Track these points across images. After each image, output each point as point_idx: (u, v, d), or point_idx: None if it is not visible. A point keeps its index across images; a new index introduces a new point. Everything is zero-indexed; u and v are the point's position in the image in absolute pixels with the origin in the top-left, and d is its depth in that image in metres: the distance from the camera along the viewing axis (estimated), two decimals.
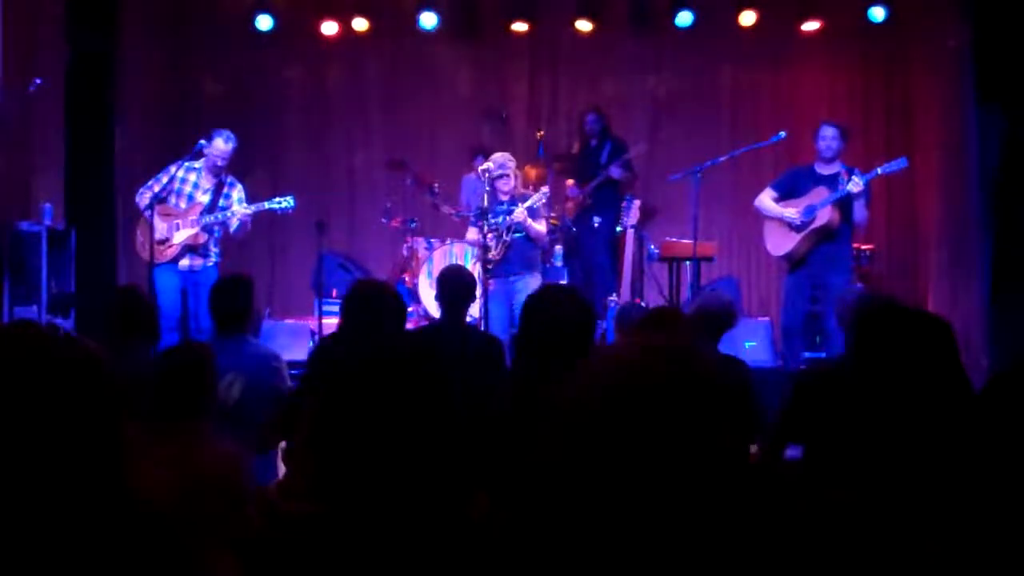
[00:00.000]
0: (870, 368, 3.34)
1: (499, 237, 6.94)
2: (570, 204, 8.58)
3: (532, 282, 6.90)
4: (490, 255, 6.95)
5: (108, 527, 1.58)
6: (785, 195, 6.90)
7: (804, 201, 6.79)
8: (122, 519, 1.60)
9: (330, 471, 1.74)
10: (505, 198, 7.05)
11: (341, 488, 1.72)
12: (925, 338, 3.44)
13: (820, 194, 6.74)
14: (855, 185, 6.57)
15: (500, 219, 6.98)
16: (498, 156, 7.17)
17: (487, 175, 7.60)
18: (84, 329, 7.50)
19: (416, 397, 1.76)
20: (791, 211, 6.78)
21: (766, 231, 6.97)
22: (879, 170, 6.73)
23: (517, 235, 6.93)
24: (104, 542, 1.57)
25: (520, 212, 6.86)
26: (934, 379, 2.74)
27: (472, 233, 7.34)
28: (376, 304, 3.79)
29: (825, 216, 6.67)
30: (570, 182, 8.74)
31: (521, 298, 6.72)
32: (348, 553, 1.68)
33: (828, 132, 6.84)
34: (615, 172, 8.39)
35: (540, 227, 7.00)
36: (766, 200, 6.95)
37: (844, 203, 6.66)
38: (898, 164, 6.78)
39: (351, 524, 1.69)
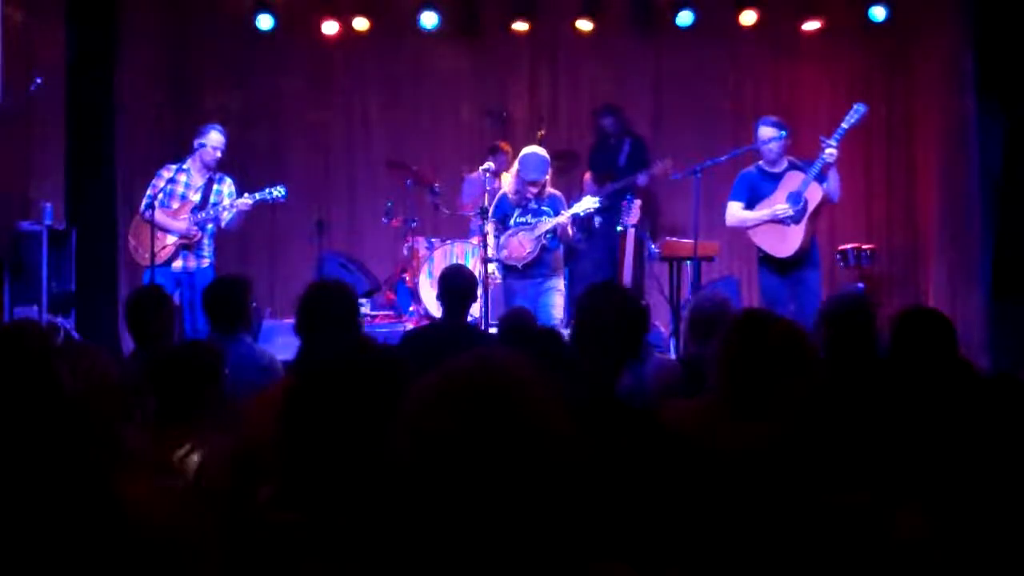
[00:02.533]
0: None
1: (538, 238, 6.75)
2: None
3: (559, 284, 6.82)
4: (525, 257, 6.77)
5: (99, 543, 1.57)
6: (748, 203, 6.64)
7: (780, 193, 6.52)
8: (113, 535, 1.59)
9: (300, 479, 1.73)
10: (531, 196, 6.85)
11: (315, 496, 1.70)
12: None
13: (796, 178, 6.48)
14: (831, 154, 6.33)
15: (528, 217, 6.81)
16: (530, 153, 6.93)
17: (488, 173, 7.61)
18: (84, 329, 7.51)
19: (375, 401, 1.74)
20: (780, 206, 6.49)
21: (759, 239, 6.65)
22: (844, 125, 6.45)
23: (551, 236, 6.76)
24: (94, 559, 1.56)
25: (566, 217, 6.69)
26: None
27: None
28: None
29: (816, 195, 6.41)
30: (588, 176, 8.75)
31: (550, 299, 6.71)
32: (331, 560, 1.67)
33: (770, 132, 6.56)
34: (642, 180, 8.41)
35: (571, 231, 6.87)
36: (740, 212, 6.65)
37: (820, 177, 6.43)
38: (857, 112, 6.47)
39: (332, 531, 1.68)
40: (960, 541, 1.81)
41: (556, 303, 6.77)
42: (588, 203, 6.81)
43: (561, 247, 6.91)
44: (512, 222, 6.85)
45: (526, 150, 6.99)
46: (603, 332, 2.82)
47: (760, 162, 6.70)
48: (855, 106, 6.53)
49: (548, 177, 6.89)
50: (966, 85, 8.05)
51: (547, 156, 6.92)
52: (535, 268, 6.80)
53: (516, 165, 6.92)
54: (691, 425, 2.39)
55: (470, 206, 8.38)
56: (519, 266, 6.80)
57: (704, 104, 9.36)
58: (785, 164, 6.62)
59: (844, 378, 3.34)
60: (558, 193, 7.06)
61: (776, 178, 6.60)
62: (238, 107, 9.10)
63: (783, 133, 6.59)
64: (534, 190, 6.81)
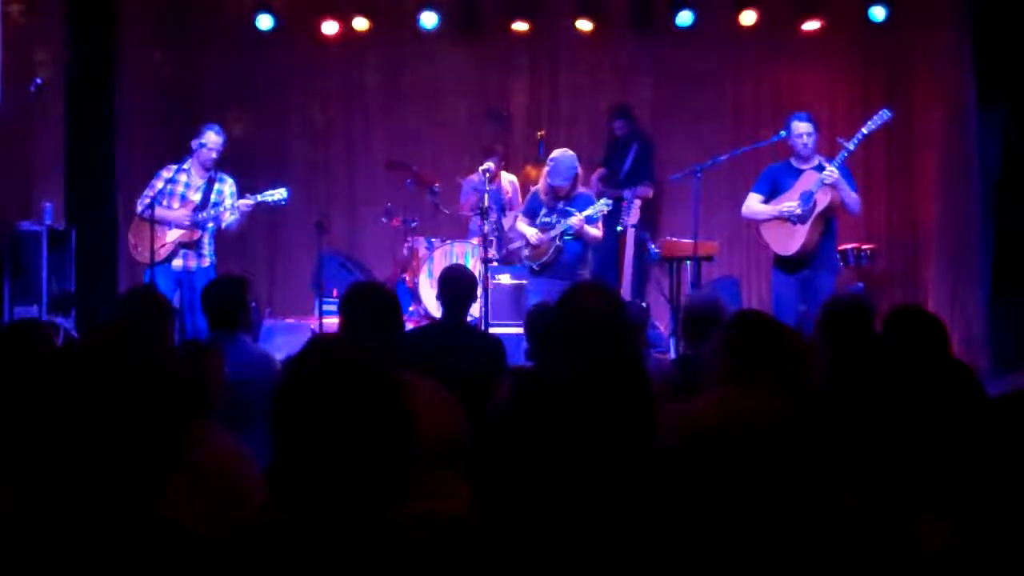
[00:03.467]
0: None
1: (552, 240, 6.72)
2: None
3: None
4: (541, 258, 6.77)
5: (140, 550, 1.58)
6: (770, 196, 6.62)
7: (795, 191, 6.49)
8: (153, 541, 1.60)
9: (289, 479, 1.74)
10: (561, 197, 6.82)
11: (304, 496, 1.71)
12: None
13: (811, 178, 6.44)
14: (829, 177, 6.30)
15: (552, 218, 6.77)
16: (560, 157, 6.86)
17: (487, 175, 7.61)
18: (84, 329, 7.51)
19: (363, 402, 1.75)
20: (789, 203, 6.46)
21: (766, 234, 6.67)
22: (864, 130, 6.42)
23: (568, 238, 6.72)
24: (135, 565, 1.57)
25: (578, 220, 6.64)
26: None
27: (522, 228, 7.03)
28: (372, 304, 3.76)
29: (825, 198, 6.37)
30: (597, 173, 8.77)
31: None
32: (321, 560, 1.68)
33: (804, 127, 6.52)
34: (627, 195, 8.43)
35: (596, 231, 6.76)
36: (755, 205, 6.64)
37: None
38: (881, 118, 6.45)
39: (319, 531, 1.68)
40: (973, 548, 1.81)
41: None
42: (600, 206, 6.73)
43: (584, 248, 6.83)
44: (538, 221, 6.85)
45: (556, 152, 6.91)
46: (560, 335, 2.82)
47: (792, 158, 6.65)
48: (881, 111, 6.51)
49: (576, 178, 6.81)
50: (966, 85, 8.06)
51: (575, 164, 6.82)
52: (551, 270, 6.77)
53: (548, 164, 6.86)
54: (687, 427, 2.39)
55: (467, 206, 8.40)
56: (535, 267, 6.81)
57: (704, 104, 9.35)
58: (816, 162, 6.55)
59: (845, 380, 3.33)
60: (588, 191, 7.03)
61: (800, 174, 6.56)
62: (238, 107, 9.09)
63: (812, 127, 6.54)
64: (561, 193, 6.77)
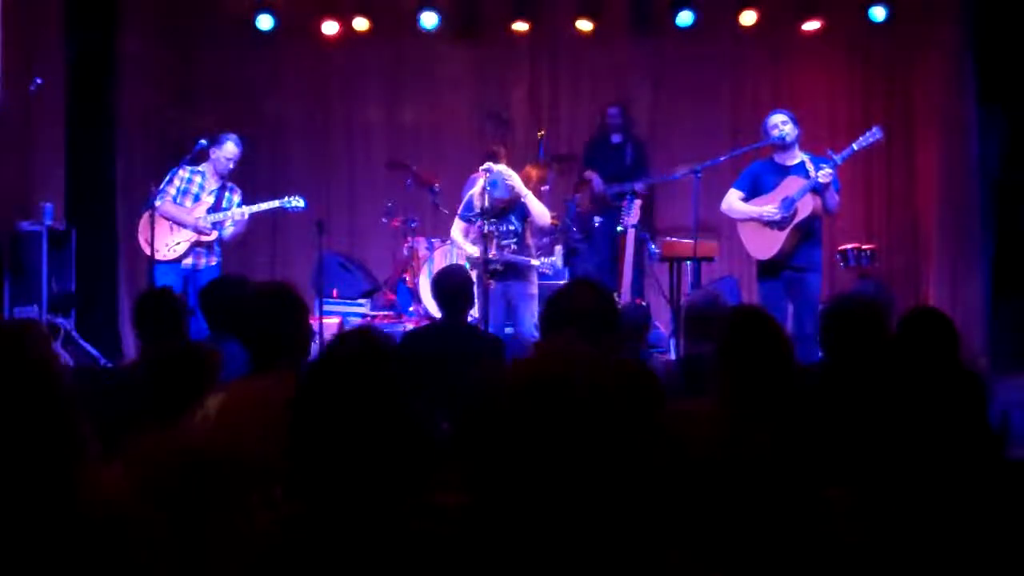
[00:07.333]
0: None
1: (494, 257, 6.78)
2: (586, 198, 8.61)
3: (529, 289, 6.77)
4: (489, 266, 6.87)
5: (54, 530, 1.60)
6: (751, 194, 6.57)
7: (777, 195, 6.43)
8: (68, 523, 1.61)
9: (299, 471, 1.75)
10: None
11: (315, 487, 1.73)
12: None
13: (794, 183, 6.38)
14: (824, 176, 6.27)
15: (495, 227, 6.83)
16: (497, 174, 6.92)
17: (488, 175, 7.60)
18: (84, 329, 7.52)
19: (365, 394, 1.76)
20: (769, 207, 6.41)
21: (744, 235, 6.61)
22: (854, 146, 6.40)
23: (516, 241, 6.79)
24: (49, 545, 1.59)
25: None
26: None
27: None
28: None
29: (807, 207, 6.32)
30: (590, 173, 8.74)
31: (524, 309, 6.70)
32: (329, 551, 1.69)
33: (780, 118, 6.50)
34: (640, 187, 8.42)
35: (539, 208, 6.77)
36: (735, 202, 6.59)
37: (818, 192, 6.36)
38: (872, 136, 6.43)
39: (329, 522, 1.70)
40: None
41: (532, 311, 6.70)
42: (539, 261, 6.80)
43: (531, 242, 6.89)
44: (486, 229, 6.83)
45: (496, 169, 6.91)
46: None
47: (774, 154, 6.61)
48: (873, 129, 6.49)
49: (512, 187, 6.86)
50: (966, 85, 8.06)
51: (510, 181, 6.80)
52: (506, 273, 6.76)
53: (486, 179, 6.85)
54: (689, 429, 2.38)
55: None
56: (487, 272, 6.81)
57: (704, 104, 9.35)
58: (798, 158, 6.50)
59: (846, 379, 3.34)
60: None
61: (783, 172, 6.50)
62: (237, 107, 9.09)
63: (787, 117, 6.52)
64: (501, 205, 6.78)
